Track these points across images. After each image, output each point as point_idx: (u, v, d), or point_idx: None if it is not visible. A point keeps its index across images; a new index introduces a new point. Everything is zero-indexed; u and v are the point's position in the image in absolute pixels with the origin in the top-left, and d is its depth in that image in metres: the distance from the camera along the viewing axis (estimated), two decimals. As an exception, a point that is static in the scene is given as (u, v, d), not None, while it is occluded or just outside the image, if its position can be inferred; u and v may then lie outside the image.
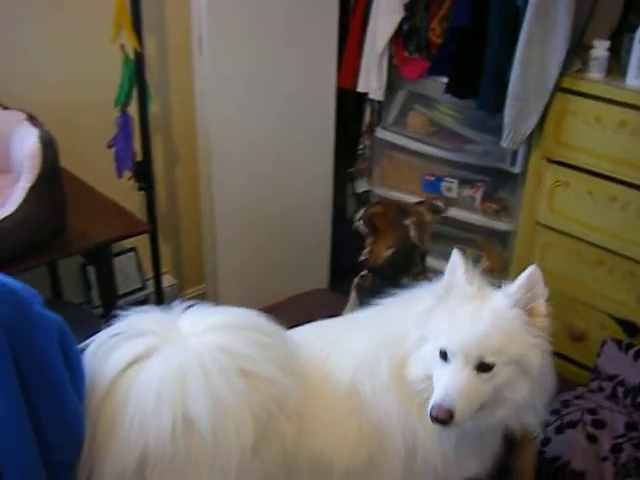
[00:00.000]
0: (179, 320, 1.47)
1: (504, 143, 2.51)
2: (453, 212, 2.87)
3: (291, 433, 1.48)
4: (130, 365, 1.39)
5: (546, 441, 2.13)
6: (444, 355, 1.41)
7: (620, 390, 2.32)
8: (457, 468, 1.57)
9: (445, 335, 1.41)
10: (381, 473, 1.58)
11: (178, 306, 1.50)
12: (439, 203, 2.35)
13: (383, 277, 2.21)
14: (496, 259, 2.93)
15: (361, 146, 3.08)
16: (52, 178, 1.99)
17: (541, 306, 1.46)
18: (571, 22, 2.31)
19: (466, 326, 1.41)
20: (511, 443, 1.80)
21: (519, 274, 2.25)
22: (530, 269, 1.45)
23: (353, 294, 2.31)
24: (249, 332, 1.48)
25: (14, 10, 2.34)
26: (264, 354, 1.45)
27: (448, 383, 1.39)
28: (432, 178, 2.96)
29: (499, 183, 2.83)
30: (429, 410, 1.39)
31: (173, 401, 1.34)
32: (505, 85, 2.44)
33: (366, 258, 2.27)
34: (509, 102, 2.44)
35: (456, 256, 1.49)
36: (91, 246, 2.07)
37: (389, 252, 2.22)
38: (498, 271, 2.88)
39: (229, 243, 2.86)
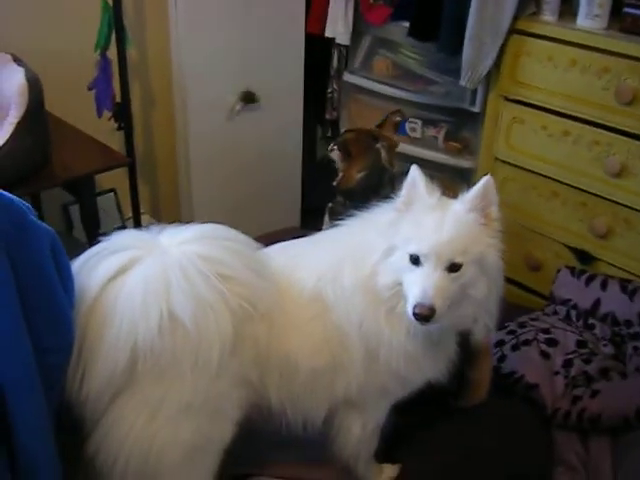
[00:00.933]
0: (158, 236, 1.60)
1: (462, 82, 2.64)
2: (417, 151, 3.03)
3: (263, 335, 1.64)
4: (117, 274, 1.52)
5: (502, 358, 2.28)
6: (416, 260, 1.54)
7: (573, 313, 2.48)
8: (417, 370, 1.73)
9: (416, 241, 1.54)
10: (344, 373, 1.73)
11: (157, 228, 1.64)
12: (398, 117, 2.50)
13: (354, 200, 2.30)
14: (459, 196, 3.06)
15: (329, 90, 3.19)
16: (38, 114, 2.14)
17: (494, 211, 1.61)
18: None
19: (435, 231, 1.54)
20: (469, 356, 1.98)
21: None
22: (484, 179, 1.60)
23: (326, 218, 2.45)
24: (224, 241, 1.62)
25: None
26: (239, 260, 1.59)
27: (425, 283, 1.52)
28: (398, 119, 3.08)
29: (462, 123, 2.96)
30: (411, 309, 1.52)
31: (158, 299, 1.47)
32: (463, 28, 2.56)
33: (339, 183, 2.40)
34: (466, 43, 2.56)
35: (415, 171, 1.63)
36: (74, 177, 2.21)
37: (361, 175, 2.37)
38: (461, 207, 3.02)
39: (203, 184, 3.00)
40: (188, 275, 1.49)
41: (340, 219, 2.04)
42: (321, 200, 2.56)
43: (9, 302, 1.37)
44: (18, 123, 2.11)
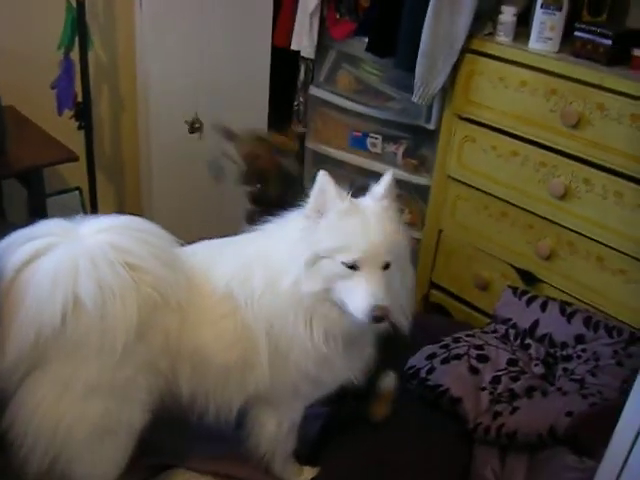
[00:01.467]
0: (78, 225, 1.67)
1: (415, 98, 2.67)
2: (376, 166, 3.06)
3: (175, 326, 1.69)
4: (32, 258, 1.58)
5: (431, 370, 2.28)
6: (352, 266, 1.57)
7: (512, 332, 2.49)
8: (330, 372, 1.77)
9: (349, 248, 1.57)
10: (254, 371, 1.77)
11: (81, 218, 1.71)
12: (300, 129, 2.67)
13: (271, 211, 2.36)
14: (417, 213, 3.08)
15: (296, 103, 3.24)
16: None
17: (396, 203, 1.69)
18: (478, -14, 2.47)
19: (365, 235, 1.58)
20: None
21: (432, 226, 2.50)
22: (388, 175, 1.67)
23: (243, 222, 2.47)
24: (137, 232, 1.68)
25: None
26: (149, 251, 1.65)
27: (372, 287, 1.57)
28: (359, 134, 3.12)
29: (421, 140, 2.99)
30: (366, 313, 1.56)
31: (65, 285, 1.53)
32: (419, 45, 2.60)
33: (253, 197, 2.50)
34: (419, 60, 2.59)
35: (323, 177, 1.65)
36: (23, 168, 2.32)
37: (277, 192, 2.47)
38: (419, 224, 3.04)
39: (164, 188, 3.04)
40: (96, 262, 1.56)
41: (256, 224, 2.14)
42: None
43: None
44: (-34, 114, 2.17)
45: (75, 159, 2.34)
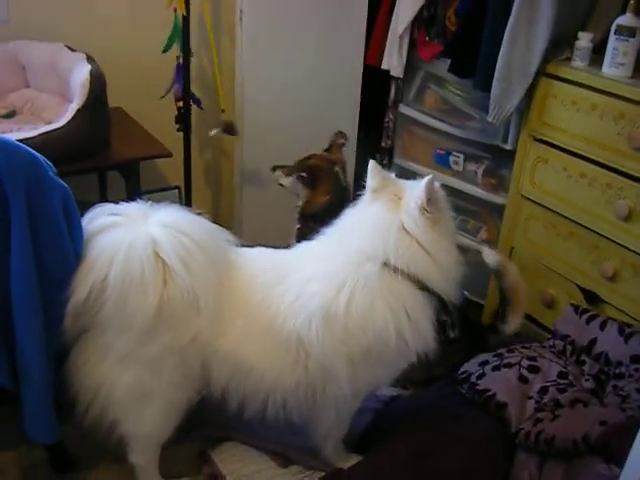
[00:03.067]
0: (152, 213, 1.85)
1: (489, 118, 2.78)
2: (457, 184, 3.18)
3: (206, 326, 1.84)
4: (100, 230, 1.82)
5: (481, 376, 2.38)
6: None
7: (569, 348, 2.54)
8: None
9: None
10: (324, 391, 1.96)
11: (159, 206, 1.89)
12: (342, 140, 2.70)
13: (321, 222, 2.42)
14: (494, 230, 3.18)
15: (386, 120, 3.41)
16: (97, 104, 2.53)
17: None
18: (553, 15, 2.56)
19: None
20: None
21: (505, 243, 2.87)
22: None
23: (293, 241, 2.64)
24: (192, 232, 1.84)
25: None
26: (192, 252, 1.80)
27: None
28: (442, 152, 3.25)
29: (500, 160, 3.08)
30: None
31: (102, 264, 1.75)
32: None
33: (303, 208, 2.62)
34: (495, 82, 2.71)
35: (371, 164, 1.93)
36: (122, 160, 2.60)
37: (326, 199, 2.58)
38: (495, 242, 3.14)
39: (254, 194, 3.28)
40: (132, 251, 1.73)
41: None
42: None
43: (23, 237, 1.71)
44: (78, 110, 2.48)
45: (168, 155, 2.58)
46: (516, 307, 2.48)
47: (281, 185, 2.68)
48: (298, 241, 2.51)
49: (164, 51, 2.84)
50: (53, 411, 1.85)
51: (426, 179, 1.81)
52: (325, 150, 2.72)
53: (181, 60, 2.88)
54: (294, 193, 2.68)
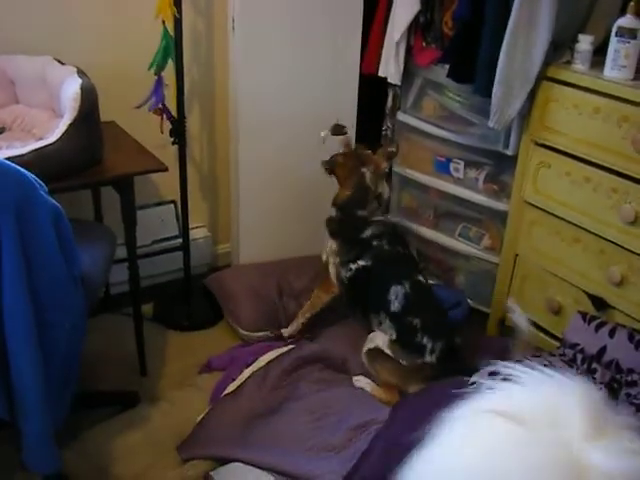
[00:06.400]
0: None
1: (490, 123, 2.73)
2: (458, 191, 3.14)
3: None
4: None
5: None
6: None
7: (579, 357, 2.49)
8: None
9: None
10: None
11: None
12: (392, 149, 2.86)
13: (344, 212, 2.76)
14: (497, 237, 3.13)
15: (384, 127, 3.36)
16: (89, 119, 2.45)
17: None
18: (553, 18, 2.51)
19: None
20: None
21: (509, 250, 2.84)
22: None
23: (326, 230, 2.83)
24: None
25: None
26: None
27: None
28: (443, 159, 3.21)
29: (501, 166, 3.03)
30: None
31: None
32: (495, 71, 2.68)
33: (334, 198, 2.81)
34: (495, 86, 2.66)
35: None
36: (116, 176, 2.51)
37: (348, 193, 2.75)
38: (499, 249, 3.09)
39: (251, 205, 3.22)
40: None
41: (335, 227, 2.75)
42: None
43: (14, 259, 1.65)
44: (69, 125, 2.42)
45: (164, 169, 2.52)
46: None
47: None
48: (327, 227, 2.83)
49: (151, 68, 2.78)
50: (53, 440, 1.79)
51: None
52: (372, 151, 2.87)
53: (162, 74, 2.82)
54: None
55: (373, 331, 2.67)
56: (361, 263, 2.72)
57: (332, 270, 2.83)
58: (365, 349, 2.65)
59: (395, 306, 2.62)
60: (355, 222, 2.75)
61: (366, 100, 3.34)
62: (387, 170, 2.87)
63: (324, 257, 2.86)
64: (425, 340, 2.55)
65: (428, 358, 2.55)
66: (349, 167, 2.77)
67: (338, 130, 3.09)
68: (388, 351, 2.58)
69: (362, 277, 2.73)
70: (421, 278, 2.72)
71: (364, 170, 2.76)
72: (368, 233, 2.73)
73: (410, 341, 2.57)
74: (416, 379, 2.54)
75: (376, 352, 2.60)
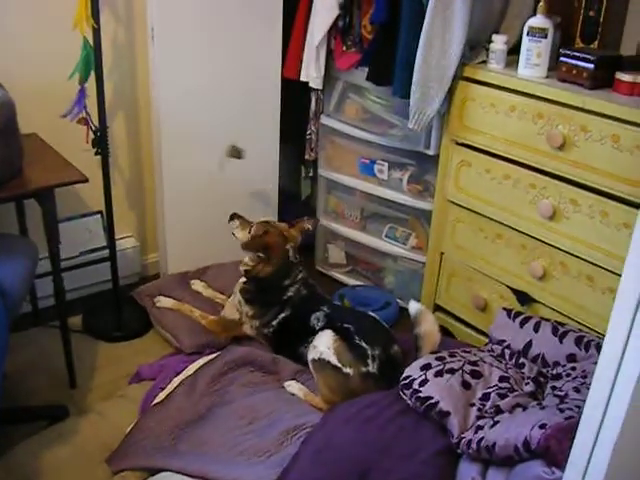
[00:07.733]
0: None
1: (410, 124, 2.77)
2: (383, 192, 3.17)
3: None
4: None
5: (423, 382, 2.32)
6: None
7: (507, 352, 2.52)
8: None
9: None
10: None
11: None
12: (308, 225, 2.84)
13: (264, 283, 2.76)
14: (423, 237, 3.17)
15: (308, 132, 3.37)
16: (7, 132, 2.40)
17: None
18: (467, 19, 2.56)
19: None
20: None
21: (434, 249, 2.59)
22: None
23: (238, 296, 2.81)
24: None
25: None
26: None
27: None
28: (367, 161, 3.23)
29: (424, 167, 3.08)
30: None
31: None
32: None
33: (249, 270, 2.79)
34: (413, 88, 2.70)
35: None
36: (35, 188, 2.47)
37: (272, 269, 2.75)
38: (425, 248, 3.12)
39: (176, 214, 3.19)
40: None
41: (251, 297, 2.74)
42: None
43: None
44: (-14, 138, 2.36)
45: (84, 181, 2.48)
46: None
47: (233, 234, 2.83)
48: (241, 295, 2.81)
49: (70, 78, 2.73)
50: None
51: None
52: (290, 224, 2.85)
53: (85, 85, 2.77)
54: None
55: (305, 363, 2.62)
56: (282, 316, 2.74)
57: (250, 332, 2.83)
58: (310, 358, 2.55)
59: (320, 325, 2.63)
60: (278, 289, 2.76)
61: (291, 104, 3.34)
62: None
63: (237, 316, 2.86)
64: (363, 344, 2.50)
65: (370, 366, 2.49)
66: (276, 246, 2.75)
67: (235, 153, 3.13)
68: (333, 356, 2.49)
69: (285, 325, 2.75)
70: (339, 303, 2.78)
71: (288, 247, 2.77)
72: (290, 294, 2.76)
73: (350, 343, 2.52)
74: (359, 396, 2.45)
75: (322, 364, 2.50)
